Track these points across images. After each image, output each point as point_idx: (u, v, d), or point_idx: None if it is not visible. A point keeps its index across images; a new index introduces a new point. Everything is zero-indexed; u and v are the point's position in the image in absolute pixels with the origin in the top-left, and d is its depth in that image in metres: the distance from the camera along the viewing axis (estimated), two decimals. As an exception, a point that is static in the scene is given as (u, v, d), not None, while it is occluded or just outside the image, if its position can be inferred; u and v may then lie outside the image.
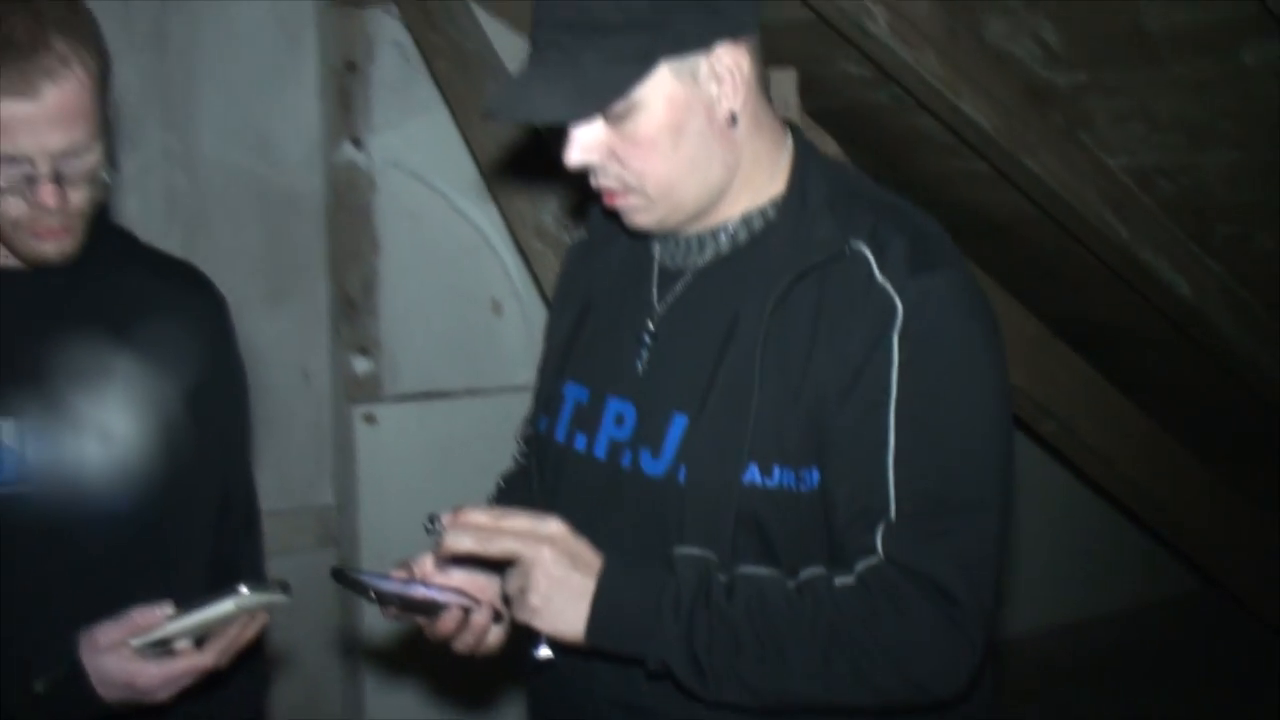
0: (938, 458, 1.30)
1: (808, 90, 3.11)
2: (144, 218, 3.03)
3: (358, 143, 3.34)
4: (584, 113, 1.33)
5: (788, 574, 1.32)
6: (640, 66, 1.30)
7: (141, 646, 1.43)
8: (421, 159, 3.40)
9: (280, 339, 3.33)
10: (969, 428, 1.32)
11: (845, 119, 3.24)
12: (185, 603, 1.45)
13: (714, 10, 1.32)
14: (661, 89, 1.32)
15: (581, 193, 1.43)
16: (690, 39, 1.31)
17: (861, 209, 1.39)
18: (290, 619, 3.34)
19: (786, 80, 2.75)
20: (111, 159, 1.51)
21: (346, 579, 1.43)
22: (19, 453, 1.51)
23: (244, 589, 1.42)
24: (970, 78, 2.72)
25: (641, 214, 1.40)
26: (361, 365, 3.39)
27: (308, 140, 3.34)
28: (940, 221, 3.70)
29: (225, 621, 1.45)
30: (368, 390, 3.40)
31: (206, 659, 1.45)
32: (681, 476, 1.36)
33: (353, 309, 3.37)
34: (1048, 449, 3.88)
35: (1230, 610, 4.37)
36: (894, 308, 1.31)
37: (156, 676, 1.42)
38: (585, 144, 1.36)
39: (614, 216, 1.47)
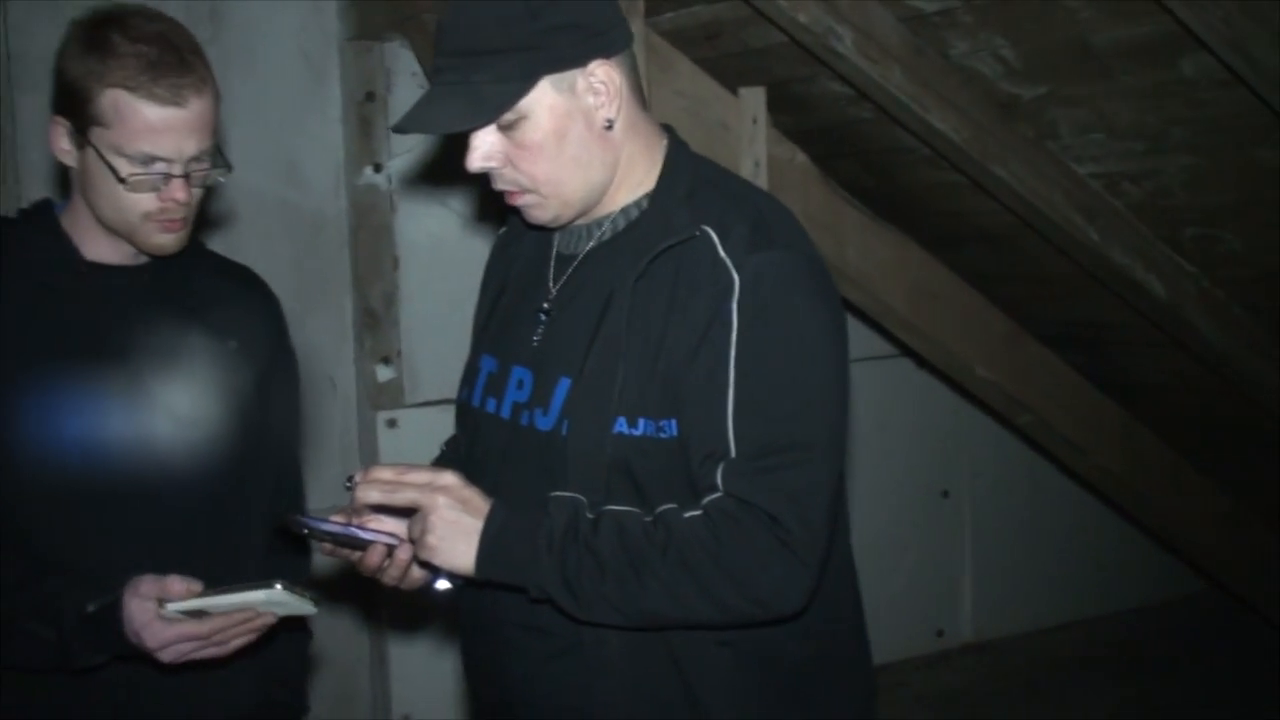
0: (770, 408, 1.50)
1: (793, 107, 3.29)
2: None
3: (378, 167, 3.54)
4: (476, 124, 1.55)
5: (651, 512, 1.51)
6: (523, 83, 1.52)
7: (173, 613, 1.56)
8: (437, 180, 3.58)
9: (309, 350, 3.47)
10: (799, 383, 1.51)
11: (832, 134, 3.40)
12: (224, 582, 1.58)
13: (588, 33, 1.53)
14: (544, 101, 1.53)
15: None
16: (567, 58, 1.53)
17: (716, 198, 1.60)
18: (324, 613, 3.53)
19: (755, 98, 2.91)
20: (225, 165, 1.74)
21: (289, 521, 1.61)
22: (105, 424, 1.69)
23: (279, 586, 1.55)
24: (937, 93, 2.88)
25: (536, 210, 1.62)
26: (384, 374, 3.59)
27: (332, 166, 3.54)
28: (929, 229, 3.83)
29: (249, 607, 1.58)
30: (390, 397, 3.59)
31: (202, 628, 1.57)
32: (564, 430, 1.57)
33: (375, 321, 3.57)
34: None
35: (1234, 610, 4.46)
36: (732, 281, 1.51)
37: (160, 636, 1.57)
38: (483, 152, 1.57)
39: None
